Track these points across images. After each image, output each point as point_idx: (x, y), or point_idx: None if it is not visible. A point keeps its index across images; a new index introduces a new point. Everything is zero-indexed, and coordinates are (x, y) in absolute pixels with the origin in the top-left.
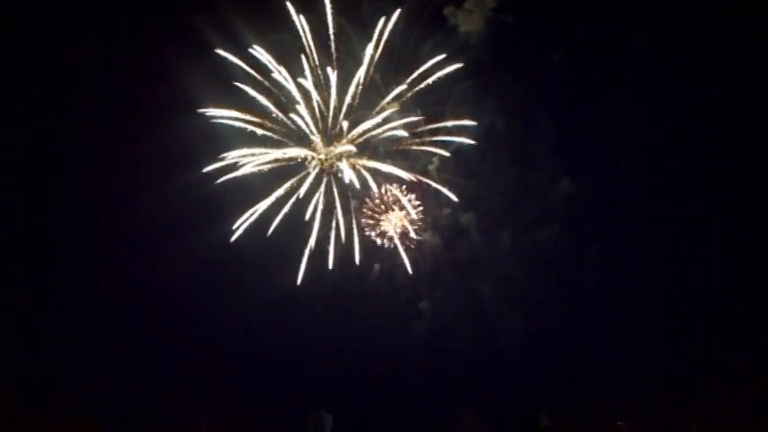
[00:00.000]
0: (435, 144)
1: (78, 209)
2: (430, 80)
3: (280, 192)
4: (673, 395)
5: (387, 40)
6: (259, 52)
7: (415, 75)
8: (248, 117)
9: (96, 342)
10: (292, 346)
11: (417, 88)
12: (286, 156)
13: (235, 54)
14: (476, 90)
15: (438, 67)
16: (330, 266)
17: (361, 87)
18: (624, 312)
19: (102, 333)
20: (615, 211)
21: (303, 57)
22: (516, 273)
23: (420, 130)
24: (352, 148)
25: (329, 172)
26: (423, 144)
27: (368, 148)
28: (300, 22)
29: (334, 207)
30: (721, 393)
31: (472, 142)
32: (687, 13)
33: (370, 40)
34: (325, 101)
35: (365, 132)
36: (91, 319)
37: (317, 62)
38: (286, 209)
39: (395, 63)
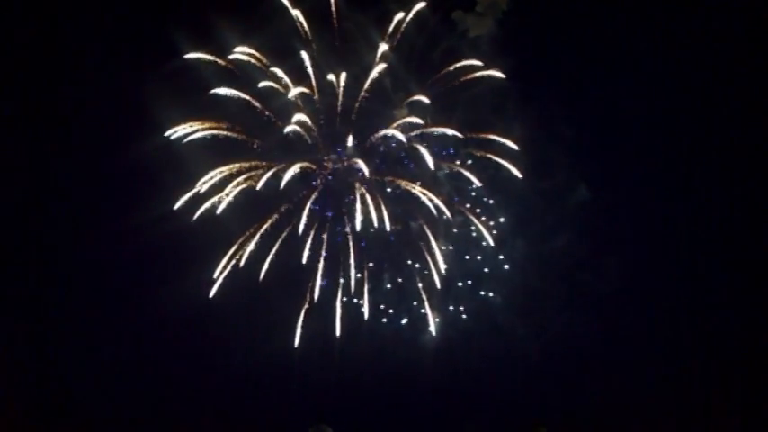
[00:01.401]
0: (472, 167)
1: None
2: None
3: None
4: (686, 416)
5: (391, 48)
6: (242, 54)
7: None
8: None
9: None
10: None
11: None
12: (282, 173)
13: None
14: (489, 97)
15: (456, 75)
16: (337, 332)
17: (366, 92)
18: (638, 326)
19: None
20: (633, 219)
21: (304, 54)
22: (530, 283)
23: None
24: (364, 168)
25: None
26: (462, 166)
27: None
28: (297, 17)
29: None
30: (738, 415)
31: (519, 175)
32: (709, 20)
33: (374, 42)
34: (329, 106)
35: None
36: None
37: (314, 49)
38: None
39: (403, 68)
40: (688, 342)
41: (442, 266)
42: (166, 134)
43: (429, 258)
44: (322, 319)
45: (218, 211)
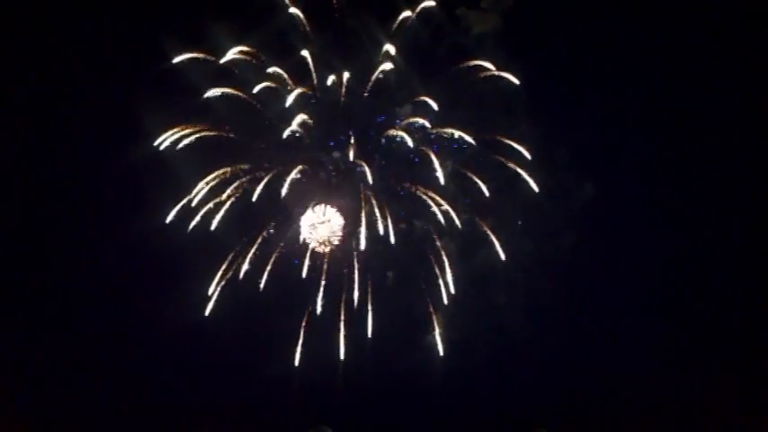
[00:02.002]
0: (487, 172)
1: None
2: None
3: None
4: (686, 417)
5: (396, 47)
6: (239, 54)
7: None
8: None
9: None
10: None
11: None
12: (280, 178)
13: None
14: (493, 94)
15: (464, 75)
16: (342, 356)
17: (370, 91)
18: (640, 327)
19: None
20: (640, 220)
21: (305, 52)
22: (536, 282)
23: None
24: (367, 172)
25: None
26: (471, 170)
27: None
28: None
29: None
30: (739, 416)
31: (535, 189)
32: (714, 24)
33: (378, 40)
34: (331, 106)
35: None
36: None
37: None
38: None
39: (408, 67)
40: (690, 344)
41: (451, 283)
42: (156, 143)
43: (438, 273)
44: (323, 336)
45: (213, 227)
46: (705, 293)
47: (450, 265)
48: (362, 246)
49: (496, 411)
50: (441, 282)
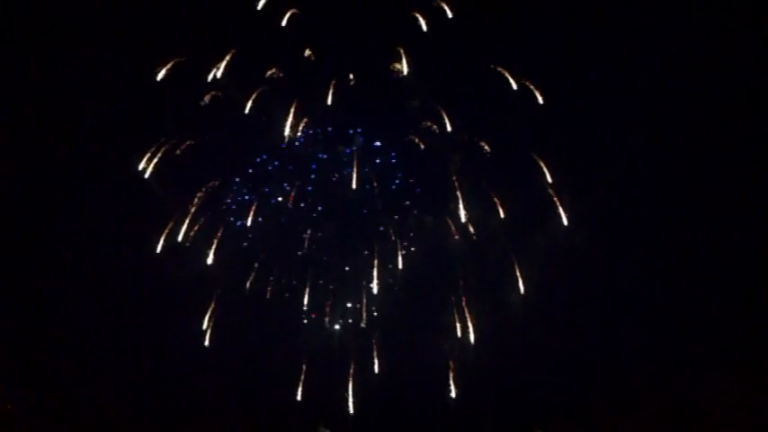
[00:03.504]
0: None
1: None
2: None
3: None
4: (686, 418)
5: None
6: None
7: None
8: None
9: None
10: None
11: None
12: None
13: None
14: (502, 88)
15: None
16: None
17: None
18: (639, 328)
19: None
20: (642, 223)
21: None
22: (545, 279)
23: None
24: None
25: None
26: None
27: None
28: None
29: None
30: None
31: (564, 221)
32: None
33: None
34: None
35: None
36: None
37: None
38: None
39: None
40: (693, 345)
41: (471, 332)
42: (141, 166)
43: (457, 318)
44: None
45: (209, 260)
46: (707, 295)
47: (469, 314)
48: (375, 289)
49: (494, 411)
50: (458, 327)
